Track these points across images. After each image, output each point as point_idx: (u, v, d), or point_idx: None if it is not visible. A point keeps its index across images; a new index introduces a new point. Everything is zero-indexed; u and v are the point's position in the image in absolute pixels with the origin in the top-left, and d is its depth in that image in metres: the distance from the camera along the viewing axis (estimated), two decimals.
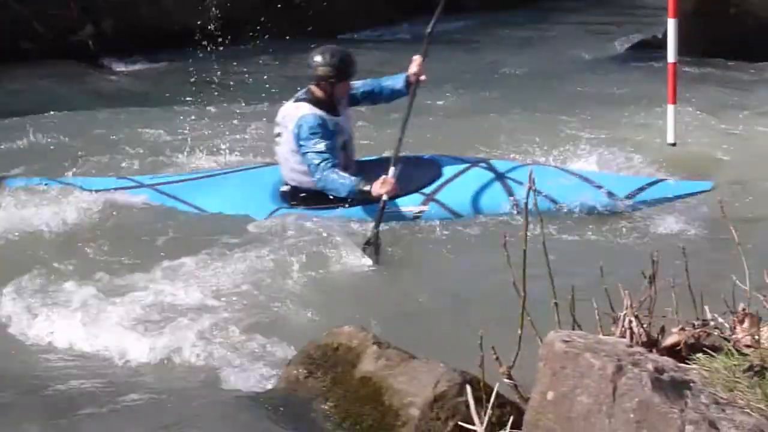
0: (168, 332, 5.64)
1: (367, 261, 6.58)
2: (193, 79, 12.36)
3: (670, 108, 8.15)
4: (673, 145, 8.25)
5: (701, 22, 12.11)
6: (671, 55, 8.12)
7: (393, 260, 6.79)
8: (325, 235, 6.90)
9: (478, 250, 6.65)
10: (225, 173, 8.00)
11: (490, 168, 7.51)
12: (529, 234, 3.33)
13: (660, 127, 8.62)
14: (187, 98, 11.37)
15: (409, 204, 7.29)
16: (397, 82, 7.53)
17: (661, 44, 8.71)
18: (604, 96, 11.04)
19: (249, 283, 6.40)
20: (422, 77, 7.43)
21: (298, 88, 7.53)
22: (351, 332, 4.39)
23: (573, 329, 3.33)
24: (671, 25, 8.13)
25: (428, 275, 6.56)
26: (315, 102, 7.23)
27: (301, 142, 7.12)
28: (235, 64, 13.16)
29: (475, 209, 7.27)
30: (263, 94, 11.02)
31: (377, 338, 4.31)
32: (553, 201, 7.10)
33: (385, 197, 6.90)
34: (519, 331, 3.31)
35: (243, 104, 10.94)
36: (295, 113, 7.20)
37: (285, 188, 7.45)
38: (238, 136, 9.70)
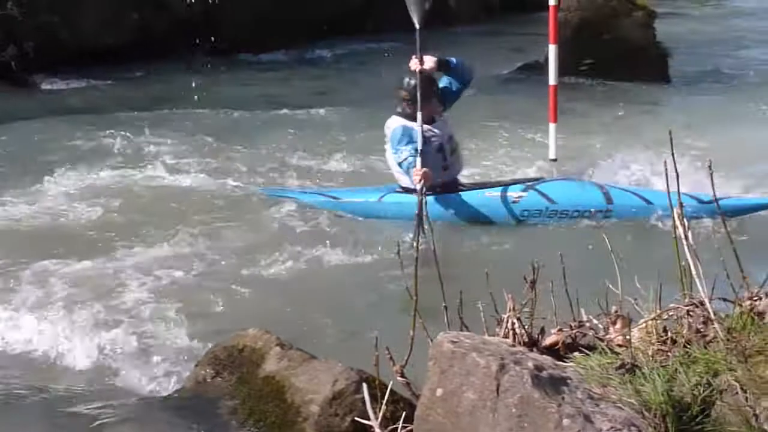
0: (73, 333, 5.57)
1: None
2: (115, 95, 12.26)
3: (552, 126, 8.28)
4: (554, 160, 8.37)
5: (579, 46, 12.28)
6: (552, 78, 8.25)
7: (301, 265, 6.79)
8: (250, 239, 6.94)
9: (379, 256, 6.68)
10: None
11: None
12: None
13: (542, 143, 8.74)
14: (111, 113, 11.30)
15: (512, 191, 7.57)
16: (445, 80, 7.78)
17: (542, 67, 8.82)
18: (490, 116, 11.13)
19: (161, 284, 6.36)
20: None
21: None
22: (256, 334, 4.38)
23: (461, 330, 3.34)
24: (551, 50, 8.27)
25: (332, 280, 6.57)
26: (404, 115, 7.57)
27: (393, 147, 7.48)
28: (156, 80, 13.05)
29: (571, 201, 7.44)
30: (185, 107, 11.02)
31: (280, 340, 4.31)
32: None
33: (418, 186, 6.82)
34: (411, 333, 3.32)
35: (166, 117, 10.88)
36: (389, 124, 7.63)
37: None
38: (168, 145, 9.68)
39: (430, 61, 7.54)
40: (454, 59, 7.70)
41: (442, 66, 7.65)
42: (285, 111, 11.72)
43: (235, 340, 4.42)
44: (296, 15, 15.76)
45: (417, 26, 7.55)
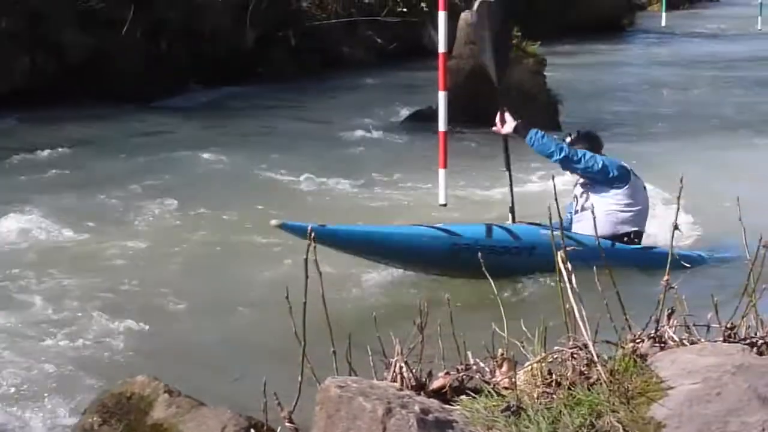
0: None
1: None
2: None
3: (441, 172, 8.35)
4: (444, 205, 8.44)
5: (469, 94, 12.44)
6: (441, 124, 8.34)
7: (188, 311, 6.74)
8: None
9: (268, 299, 6.66)
10: None
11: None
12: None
13: (432, 189, 8.82)
14: None
15: None
16: None
17: (434, 114, 8.92)
18: (381, 162, 11.22)
19: (44, 331, 6.26)
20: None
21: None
22: (144, 381, 4.34)
23: (349, 375, 3.36)
24: (441, 97, 8.37)
25: (220, 325, 6.54)
26: None
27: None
28: (49, 127, 12.85)
29: None
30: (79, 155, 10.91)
31: (168, 387, 4.27)
32: None
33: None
34: (299, 378, 3.32)
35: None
36: None
37: None
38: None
39: (509, 126, 7.80)
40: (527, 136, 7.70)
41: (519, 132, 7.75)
42: (173, 155, 11.64)
43: (123, 388, 4.37)
44: (188, 59, 15.73)
45: (496, 84, 7.87)
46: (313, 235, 3.33)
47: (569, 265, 3.29)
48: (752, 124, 13.80)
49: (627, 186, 7.25)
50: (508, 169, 7.74)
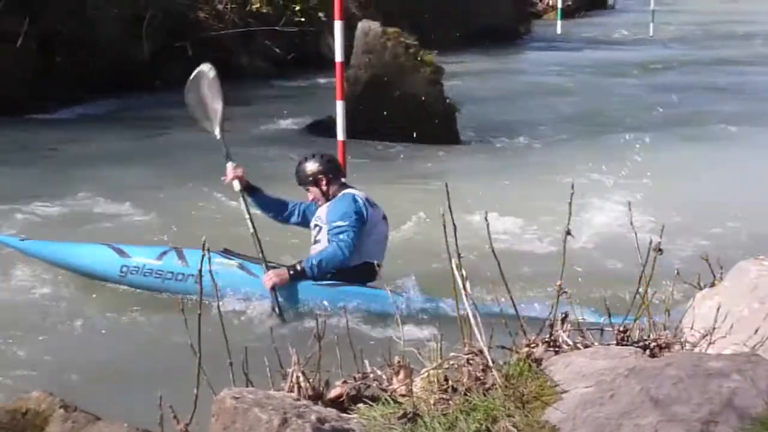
0: None
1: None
2: None
3: None
4: None
5: (369, 103, 12.49)
6: (340, 134, 8.37)
7: (83, 323, 6.65)
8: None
9: (164, 314, 6.59)
10: None
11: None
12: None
13: None
14: None
15: None
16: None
17: (333, 124, 8.91)
18: (279, 170, 11.14)
19: None
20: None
21: None
22: (39, 397, 4.25)
23: (246, 386, 3.34)
24: (339, 106, 8.39)
25: (118, 337, 6.45)
26: None
27: None
28: None
29: None
30: None
31: (64, 402, 4.20)
32: None
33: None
34: (195, 390, 3.30)
35: None
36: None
37: None
38: None
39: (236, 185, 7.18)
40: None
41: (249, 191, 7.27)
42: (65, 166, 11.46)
43: (18, 404, 4.27)
44: (81, 70, 15.52)
45: (217, 136, 7.41)
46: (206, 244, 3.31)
47: (464, 272, 3.32)
48: (642, 126, 14.08)
49: (365, 224, 6.91)
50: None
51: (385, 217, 7.17)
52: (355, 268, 6.67)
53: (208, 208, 9.62)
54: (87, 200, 9.95)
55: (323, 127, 12.54)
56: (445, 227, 3.38)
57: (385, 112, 12.58)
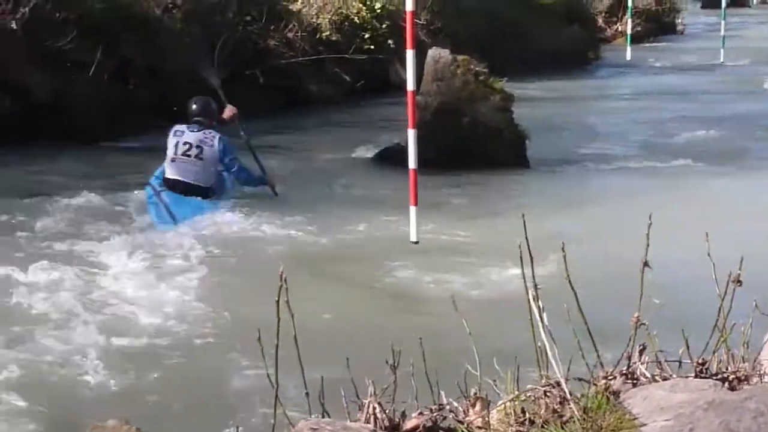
0: None
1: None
2: None
3: (412, 209, 8.40)
4: (416, 243, 8.48)
5: (439, 130, 12.51)
6: (411, 162, 8.39)
7: (157, 352, 6.71)
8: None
9: (240, 342, 6.64)
10: None
11: None
12: None
13: (403, 226, 8.84)
14: None
15: None
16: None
17: (403, 151, 8.95)
18: (352, 198, 11.25)
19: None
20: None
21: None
22: (116, 426, 4.29)
23: (322, 416, 3.36)
24: (411, 134, 8.41)
25: (192, 366, 6.51)
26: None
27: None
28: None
29: None
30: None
31: (140, 430, 4.24)
32: None
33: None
34: (272, 421, 3.32)
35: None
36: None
37: None
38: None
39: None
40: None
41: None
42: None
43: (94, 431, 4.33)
44: (153, 98, 15.71)
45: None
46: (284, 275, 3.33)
47: (541, 304, 3.31)
48: (713, 155, 13.93)
49: None
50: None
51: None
52: None
53: (297, 233, 9.62)
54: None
55: (393, 155, 12.56)
56: (521, 258, 3.37)
57: (455, 139, 12.61)
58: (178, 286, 8.11)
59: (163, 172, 10.50)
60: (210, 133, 10.46)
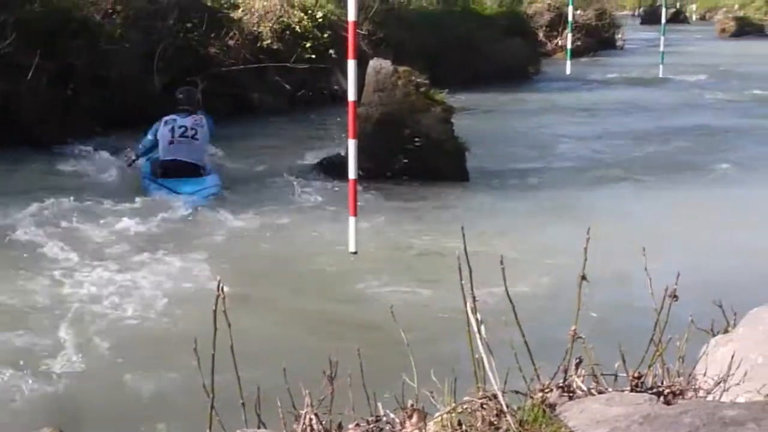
0: None
1: None
2: None
3: (352, 220, 8.40)
4: (355, 253, 8.48)
5: (380, 141, 12.51)
6: (352, 172, 8.39)
7: (96, 360, 6.64)
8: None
9: (177, 353, 6.58)
10: None
11: None
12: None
13: (343, 236, 8.83)
14: None
15: None
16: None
17: (344, 161, 8.95)
18: (292, 208, 11.20)
19: None
20: None
21: None
22: None
23: (258, 428, 3.33)
24: (351, 145, 8.41)
25: (129, 374, 6.44)
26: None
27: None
28: None
29: None
30: None
31: None
32: None
33: None
34: (207, 431, 3.29)
35: None
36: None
37: None
38: None
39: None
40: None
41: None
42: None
43: None
44: (94, 103, 15.57)
45: None
46: (221, 285, 3.31)
47: (478, 316, 3.31)
48: (651, 167, 14.10)
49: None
50: None
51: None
52: None
53: (234, 239, 9.59)
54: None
55: (334, 165, 12.56)
56: (460, 270, 3.37)
57: (396, 150, 12.62)
58: (116, 292, 8.05)
59: (157, 159, 11.90)
60: (198, 115, 12.09)
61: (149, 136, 12.12)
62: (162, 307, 7.75)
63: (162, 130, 11.88)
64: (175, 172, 11.59)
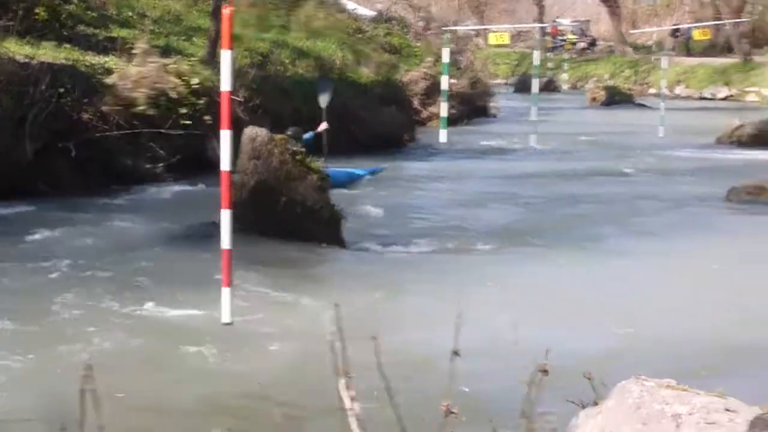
0: None
1: None
2: None
3: (225, 290, 8.32)
4: (230, 324, 8.39)
5: (256, 209, 12.49)
6: (225, 242, 8.33)
7: None
8: None
9: None
10: None
11: None
12: None
13: (215, 307, 8.71)
14: None
15: None
16: None
17: (217, 230, 8.86)
18: (165, 278, 11.03)
19: None
20: None
21: None
22: None
23: None
24: (225, 215, 8.35)
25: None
26: None
27: None
28: None
29: None
30: None
31: None
32: None
33: None
34: None
35: None
36: None
37: None
38: None
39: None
40: None
41: None
42: None
43: None
44: None
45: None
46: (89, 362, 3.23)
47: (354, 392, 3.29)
48: (522, 236, 14.33)
49: None
50: None
51: None
52: None
53: (101, 315, 9.41)
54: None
55: (208, 234, 12.41)
56: (332, 346, 3.36)
57: (272, 218, 12.61)
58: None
59: None
60: None
61: None
62: (17, 376, 7.54)
63: None
64: None
